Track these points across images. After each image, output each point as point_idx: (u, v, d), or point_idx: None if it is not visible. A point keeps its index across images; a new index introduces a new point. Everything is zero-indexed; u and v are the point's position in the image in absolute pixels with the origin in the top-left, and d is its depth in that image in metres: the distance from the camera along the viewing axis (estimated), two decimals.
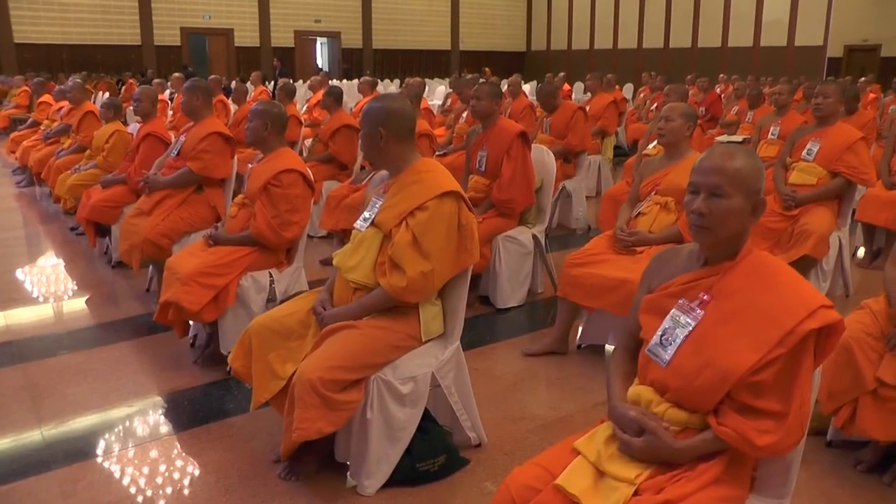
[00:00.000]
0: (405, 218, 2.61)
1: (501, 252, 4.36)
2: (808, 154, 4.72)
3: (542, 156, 4.57)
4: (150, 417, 3.28)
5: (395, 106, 2.69)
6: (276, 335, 2.77)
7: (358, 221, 2.80)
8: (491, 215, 4.36)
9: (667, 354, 1.78)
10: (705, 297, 1.78)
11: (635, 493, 1.67)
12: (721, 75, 16.05)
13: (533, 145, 4.62)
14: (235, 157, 4.85)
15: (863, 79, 13.67)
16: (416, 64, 26.63)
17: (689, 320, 1.78)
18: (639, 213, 3.72)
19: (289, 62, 24.59)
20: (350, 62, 25.71)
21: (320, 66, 26.14)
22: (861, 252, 5.87)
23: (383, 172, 2.87)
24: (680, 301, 1.82)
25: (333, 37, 26.07)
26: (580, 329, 3.94)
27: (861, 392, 2.72)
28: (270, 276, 3.78)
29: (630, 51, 25.01)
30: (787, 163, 4.83)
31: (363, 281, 2.68)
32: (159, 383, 3.61)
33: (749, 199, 1.76)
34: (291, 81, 16.79)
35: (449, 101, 10.85)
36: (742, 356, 1.67)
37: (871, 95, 11.54)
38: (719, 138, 8.26)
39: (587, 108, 7.65)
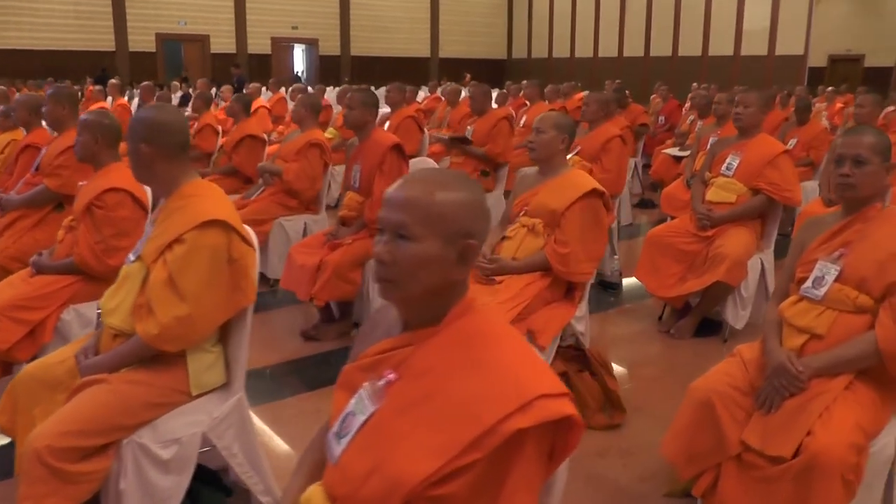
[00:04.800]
0: (163, 252, 2.18)
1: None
2: (727, 169, 4.29)
3: None
4: None
5: (163, 118, 2.26)
6: (43, 386, 2.36)
7: (130, 253, 2.38)
8: (363, 236, 3.91)
9: (338, 448, 1.35)
10: (391, 376, 1.34)
11: None
12: (693, 84, 15.60)
13: (418, 158, 4.21)
14: None
15: (830, 88, 13.29)
16: (395, 71, 26.15)
17: (369, 405, 1.34)
18: (504, 237, 3.29)
19: (266, 69, 24.17)
20: (326, 69, 25.30)
21: (297, 73, 25.77)
22: None
23: None
24: (371, 378, 1.38)
25: (311, 43, 25.68)
26: None
27: (724, 457, 2.29)
28: (98, 308, 3.34)
29: (610, 59, 24.62)
30: (706, 178, 4.40)
31: (121, 326, 2.25)
32: None
33: (452, 244, 1.32)
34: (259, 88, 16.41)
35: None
36: (418, 462, 1.22)
37: (839, 105, 11.14)
38: (668, 150, 7.84)
39: (524, 118, 7.24)
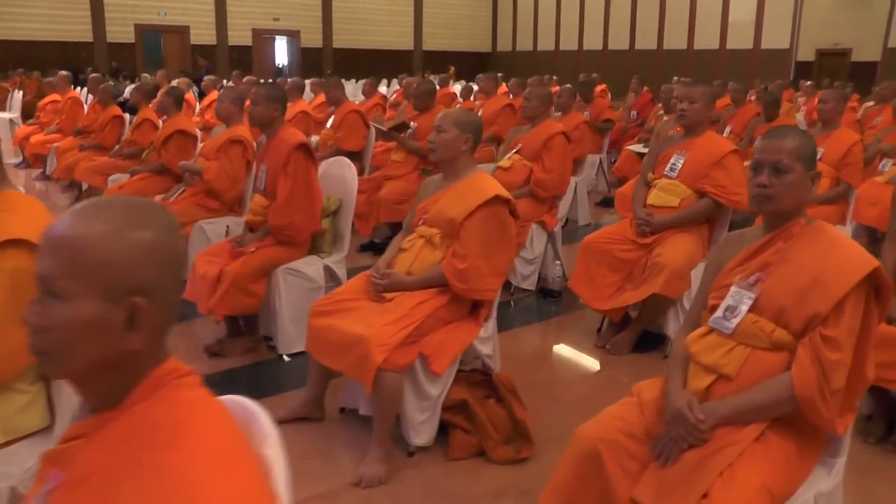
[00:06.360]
0: None
1: (282, 287, 3.55)
2: (671, 170, 3.95)
3: (343, 171, 3.76)
4: None
5: None
6: None
7: None
8: (268, 243, 3.55)
9: None
10: (55, 479, 1.00)
11: None
12: (674, 78, 15.22)
13: (332, 159, 3.86)
14: None
15: (809, 83, 12.93)
16: (378, 64, 25.78)
17: None
18: (401, 248, 2.94)
19: (247, 61, 23.77)
20: (309, 62, 24.89)
21: (279, 65, 25.37)
22: None
23: None
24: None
25: (293, 35, 25.26)
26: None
27: None
28: None
29: (595, 52, 24.31)
30: (649, 179, 4.06)
31: None
32: None
33: (115, 304, 0.98)
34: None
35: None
36: None
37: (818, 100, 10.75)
38: (632, 147, 7.50)
39: (479, 113, 6.88)
